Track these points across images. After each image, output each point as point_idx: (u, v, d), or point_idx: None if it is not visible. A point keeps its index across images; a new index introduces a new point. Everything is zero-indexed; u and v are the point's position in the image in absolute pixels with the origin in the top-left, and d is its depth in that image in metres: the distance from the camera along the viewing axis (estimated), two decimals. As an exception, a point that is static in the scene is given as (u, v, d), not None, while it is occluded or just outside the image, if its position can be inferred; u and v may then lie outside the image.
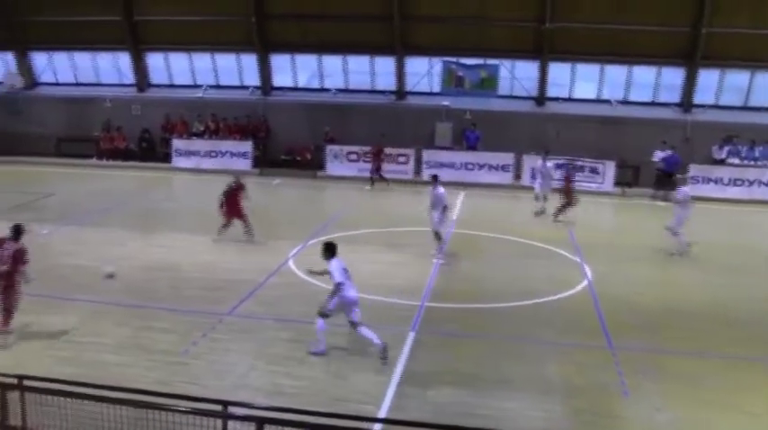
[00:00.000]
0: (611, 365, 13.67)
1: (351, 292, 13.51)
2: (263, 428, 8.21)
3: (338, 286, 13.31)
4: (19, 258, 14.06)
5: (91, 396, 8.82)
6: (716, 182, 31.31)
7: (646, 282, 19.35)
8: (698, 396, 12.69)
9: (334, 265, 13.50)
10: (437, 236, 20.44)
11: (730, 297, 18.44)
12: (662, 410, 12.03)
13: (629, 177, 32.58)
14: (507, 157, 32.52)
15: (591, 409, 12.07)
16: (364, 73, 35.98)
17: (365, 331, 13.46)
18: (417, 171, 33.13)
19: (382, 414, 11.38)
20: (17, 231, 14.33)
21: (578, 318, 16.37)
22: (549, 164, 27.42)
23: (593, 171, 31.94)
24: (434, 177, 21.08)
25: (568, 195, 25.47)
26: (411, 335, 14.76)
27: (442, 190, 20.50)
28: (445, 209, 20.53)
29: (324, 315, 13.57)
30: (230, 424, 8.72)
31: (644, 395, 12.54)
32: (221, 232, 21.41)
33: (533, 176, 31.27)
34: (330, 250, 13.75)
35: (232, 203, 21.59)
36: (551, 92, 34.89)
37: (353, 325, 13.53)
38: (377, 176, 31.85)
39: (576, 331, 15.54)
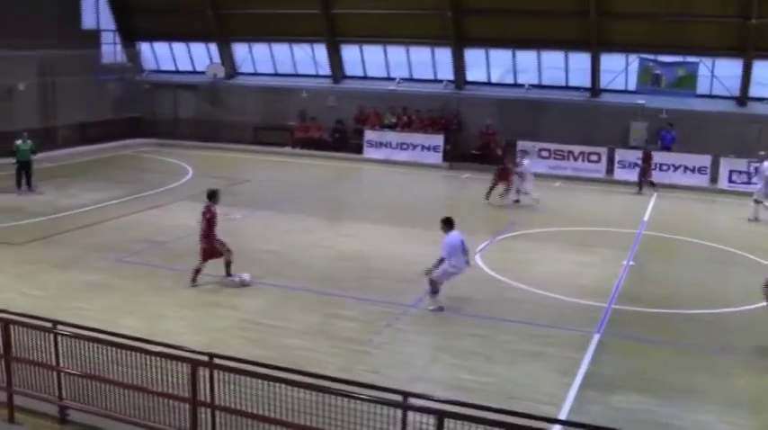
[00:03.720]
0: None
1: (456, 266, 15.54)
2: (442, 421, 8.18)
3: (440, 260, 15.42)
4: (206, 214, 16.68)
5: (275, 377, 9.07)
6: None
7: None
8: None
9: (446, 240, 15.43)
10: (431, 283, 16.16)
11: None
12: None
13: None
14: (704, 159, 31.34)
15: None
16: (558, 69, 35.53)
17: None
18: (610, 170, 32.55)
19: (562, 415, 11.37)
20: (210, 195, 17.00)
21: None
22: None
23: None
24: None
25: None
26: (596, 338, 14.70)
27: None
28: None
29: (432, 283, 15.52)
30: (410, 415, 8.74)
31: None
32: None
33: (731, 180, 30.30)
34: (447, 224, 15.64)
35: None
36: (754, 91, 33.18)
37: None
38: (645, 181, 30.20)
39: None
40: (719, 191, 30.53)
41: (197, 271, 16.99)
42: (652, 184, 30.02)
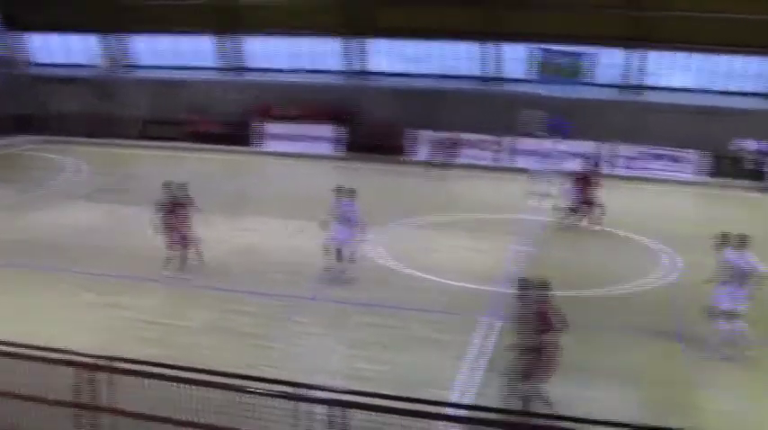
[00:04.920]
0: (679, 355, 13.72)
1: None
2: (340, 411, 8.31)
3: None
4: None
5: (174, 377, 8.97)
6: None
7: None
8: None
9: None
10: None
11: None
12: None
13: (718, 167, 31.72)
14: (598, 146, 31.93)
15: (669, 400, 12.13)
16: (456, 59, 35.89)
17: None
18: (505, 158, 33.02)
19: (461, 400, 11.48)
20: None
21: (655, 307, 16.30)
22: None
23: (679, 160, 31.73)
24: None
25: None
26: (491, 322, 14.86)
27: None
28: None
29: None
30: (309, 407, 8.75)
31: (729, 387, 12.47)
32: None
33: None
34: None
35: None
36: (646, 81, 34.32)
37: None
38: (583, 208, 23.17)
39: (654, 319, 15.47)
40: (612, 176, 31.20)
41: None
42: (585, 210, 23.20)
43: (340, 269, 17.08)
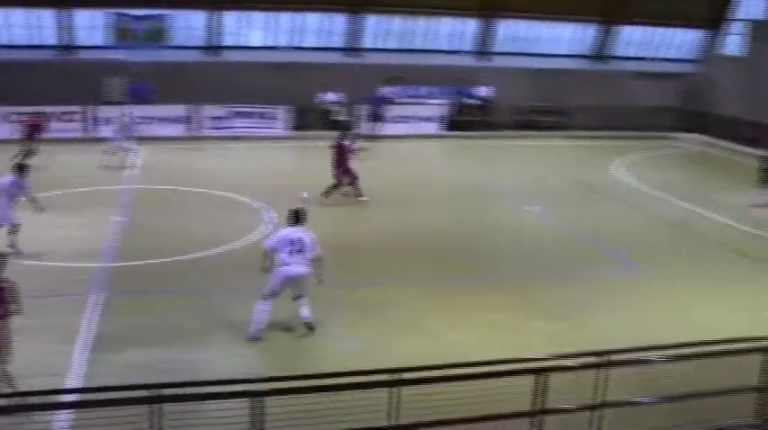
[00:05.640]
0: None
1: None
2: None
3: None
4: None
5: None
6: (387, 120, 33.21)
7: (330, 221, 19.66)
8: (384, 322, 13.64)
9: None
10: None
11: (407, 230, 19.85)
12: (348, 339, 12.79)
13: (304, 120, 33.26)
14: (182, 109, 31.98)
15: (283, 346, 12.62)
16: (29, 27, 33.32)
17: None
18: (88, 129, 31.48)
19: (71, 383, 10.93)
20: None
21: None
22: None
23: (267, 116, 32.67)
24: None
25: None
26: (96, 299, 14.30)
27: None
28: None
29: None
30: None
31: (331, 327, 13.21)
32: None
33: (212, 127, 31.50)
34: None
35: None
36: (225, 41, 34.78)
37: None
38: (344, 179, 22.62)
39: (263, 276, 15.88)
40: (203, 138, 31.47)
41: None
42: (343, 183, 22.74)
43: None
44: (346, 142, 22.87)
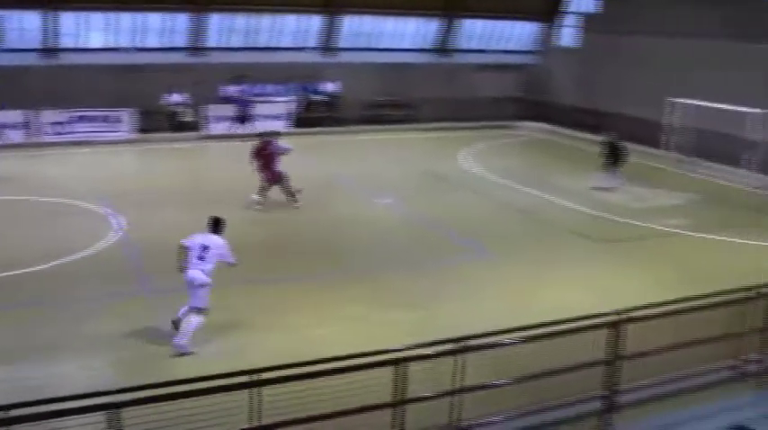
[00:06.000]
0: (155, 309, 13.90)
1: None
2: None
3: None
4: None
5: None
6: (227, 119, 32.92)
7: (178, 223, 18.81)
8: (246, 323, 13.58)
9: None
10: None
11: (263, 229, 19.76)
12: (207, 343, 12.61)
13: (149, 123, 32.38)
14: (17, 115, 30.50)
15: (139, 357, 12.24)
16: None
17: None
18: None
19: None
20: None
21: (114, 269, 16.35)
22: None
23: (110, 120, 31.70)
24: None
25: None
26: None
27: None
28: None
29: None
30: None
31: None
32: None
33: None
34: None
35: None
36: (63, 43, 33.26)
37: None
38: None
39: (114, 283, 15.47)
40: (43, 144, 30.12)
41: None
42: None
43: None
44: (274, 143, 22.17)
